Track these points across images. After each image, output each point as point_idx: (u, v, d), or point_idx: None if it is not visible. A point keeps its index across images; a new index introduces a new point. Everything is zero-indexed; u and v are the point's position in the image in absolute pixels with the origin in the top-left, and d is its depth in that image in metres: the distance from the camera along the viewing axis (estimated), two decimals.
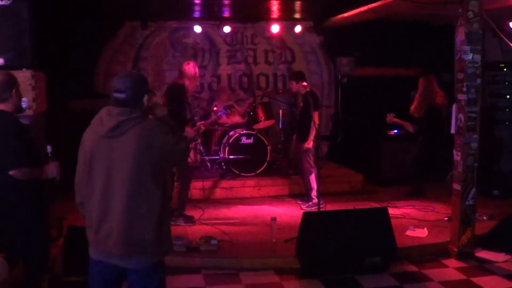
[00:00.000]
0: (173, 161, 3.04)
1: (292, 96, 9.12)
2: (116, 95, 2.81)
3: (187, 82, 5.97)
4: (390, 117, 7.16)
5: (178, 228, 5.76)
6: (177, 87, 6.01)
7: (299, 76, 6.82)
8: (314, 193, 6.62)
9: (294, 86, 6.77)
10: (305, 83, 6.63)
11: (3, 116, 3.48)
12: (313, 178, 6.63)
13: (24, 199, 3.52)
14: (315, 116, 6.41)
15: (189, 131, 6.04)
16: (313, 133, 6.52)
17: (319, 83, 9.34)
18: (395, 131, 8.25)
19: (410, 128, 7.16)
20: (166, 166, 2.93)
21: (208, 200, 7.20)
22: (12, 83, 3.56)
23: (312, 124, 6.39)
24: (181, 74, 6.01)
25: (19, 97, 3.62)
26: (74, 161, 2.89)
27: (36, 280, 3.71)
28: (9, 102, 3.52)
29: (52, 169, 3.56)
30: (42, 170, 3.54)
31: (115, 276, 2.87)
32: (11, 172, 3.38)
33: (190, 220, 6.10)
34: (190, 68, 5.98)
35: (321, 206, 5.93)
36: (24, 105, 3.93)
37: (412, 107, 7.06)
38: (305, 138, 6.59)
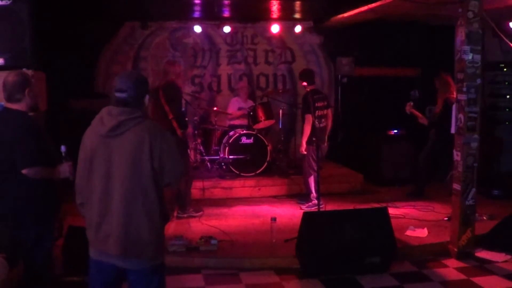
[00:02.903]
0: (169, 166, 2.80)
1: (292, 96, 9.13)
2: (118, 94, 2.81)
3: (176, 77, 6.12)
4: (410, 107, 7.03)
5: (178, 228, 5.77)
6: (175, 85, 6.11)
7: (301, 76, 6.87)
8: (313, 195, 6.62)
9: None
10: (304, 83, 6.66)
11: (17, 115, 3.50)
12: (311, 181, 6.61)
13: (36, 198, 3.52)
14: (306, 119, 6.46)
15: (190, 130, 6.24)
16: (304, 137, 6.51)
17: (319, 83, 9.30)
18: (395, 131, 8.25)
19: (424, 120, 7.07)
20: (163, 171, 2.79)
21: (208, 200, 7.19)
22: (25, 83, 3.57)
23: (304, 127, 6.45)
24: (169, 73, 6.10)
25: (33, 97, 3.62)
26: (75, 161, 2.89)
27: (36, 280, 3.70)
28: (22, 102, 3.54)
29: (65, 169, 3.56)
30: (55, 170, 3.55)
31: (115, 276, 2.87)
32: (24, 171, 3.39)
33: (199, 209, 6.47)
34: (178, 67, 6.19)
35: (321, 206, 5.94)
36: None
37: (436, 107, 7.06)
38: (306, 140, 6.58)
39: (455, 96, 6.87)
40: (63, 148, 3.57)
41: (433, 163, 7.27)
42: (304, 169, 6.79)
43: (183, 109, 7.09)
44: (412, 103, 7.06)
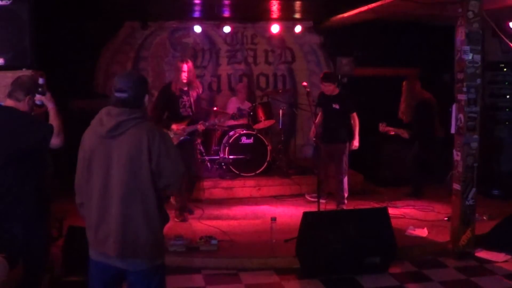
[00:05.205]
0: (167, 168, 2.78)
1: (292, 96, 9.13)
2: (118, 94, 2.80)
3: (174, 78, 6.12)
4: (383, 127, 7.12)
5: (178, 228, 5.77)
6: (167, 84, 6.25)
7: (331, 78, 6.75)
8: (346, 194, 6.67)
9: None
10: (333, 84, 6.70)
11: (14, 113, 3.54)
12: (346, 181, 6.66)
13: (25, 195, 3.53)
14: (357, 117, 6.57)
15: (174, 128, 5.96)
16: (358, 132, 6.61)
17: (319, 83, 9.31)
18: None
19: (405, 134, 7.09)
20: (161, 173, 2.77)
21: (208, 200, 7.19)
22: (31, 89, 3.63)
23: (358, 123, 6.57)
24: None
25: (31, 106, 3.66)
26: (74, 161, 2.89)
27: (36, 280, 3.71)
28: (20, 103, 3.58)
29: (50, 98, 3.73)
30: (51, 110, 3.71)
31: (115, 276, 2.87)
32: (55, 143, 3.57)
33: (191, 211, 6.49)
34: (177, 63, 6.18)
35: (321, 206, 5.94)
36: None
37: (400, 112, 7.14)
38: (344, 139, 6.58)
39: (428, 97, 6.99)
40: (42, 81, 3.70)
41: (425, 164, 7.29)
42: (338, 169, 6.63)
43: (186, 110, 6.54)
44: (385, 123, 7.09)
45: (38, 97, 3.68)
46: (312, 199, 6.53)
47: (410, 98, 7.06)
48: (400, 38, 8.87)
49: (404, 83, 7.17)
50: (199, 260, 5.03)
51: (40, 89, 3.67)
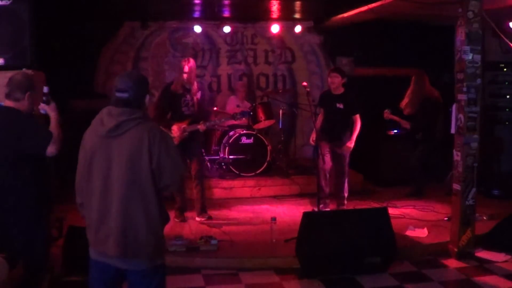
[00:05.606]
0: (168, 168, 2.78)
1: (292, 96, 9.13)
2: (119, 94, 2.80)
3: (176, 78, 6.07)
4: (387, 114, 7.16)
5: (178, 228, 5.77)
6: (165, 85, 6.24)
7: (343, 73, 6.57)
8: (346, 195, 6.62)
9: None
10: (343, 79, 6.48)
11: (12, 113, 3.52)
12: (347, 182, 6.61)
13: (25, 195, 3.54)
14: (360, 118, 6.46)
15: (174, 129, 5.83)
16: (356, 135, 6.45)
17: (319, 83, 9.32)
18: (395, 131, 8.25)
19: (406, 125, 7.14)
20: (161, 173, 2.77)
21: (208, 200, 7.17)
22: (29, 86, 3.61)
23: (360, 126, 6.42)
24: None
25: (31, 103, 3.64)
26: (75, 161, 2.89)
27: (36, 280, 3.71)
28: (20, 102, 3.57)
29: (54, 108, 3.71)
30: (52, 119, 3.66)
31: (115, 276, 2.87)
32: (50, 151, 3.50)
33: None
34: (181, 62, 6.06)
35: (320, 205, 5.93)
36: None
37: (403, 103, 7.17)
38: (346, 139, 6.46)
39: (437, 95, 7.00)
40: (46, 89, 3.67)
41: (428, 163, 7.30)
42: (340, 170, 6.56)
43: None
44: (389, 110, 7.14)
45: (42, 105, 3.65)
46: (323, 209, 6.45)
47: (418, 91, 7.06)
48: (400, 38, 8.87)
49: (413, 77, 7.18)
50: (199, 260, 5.03)
51: (44, 98, 3.64)
